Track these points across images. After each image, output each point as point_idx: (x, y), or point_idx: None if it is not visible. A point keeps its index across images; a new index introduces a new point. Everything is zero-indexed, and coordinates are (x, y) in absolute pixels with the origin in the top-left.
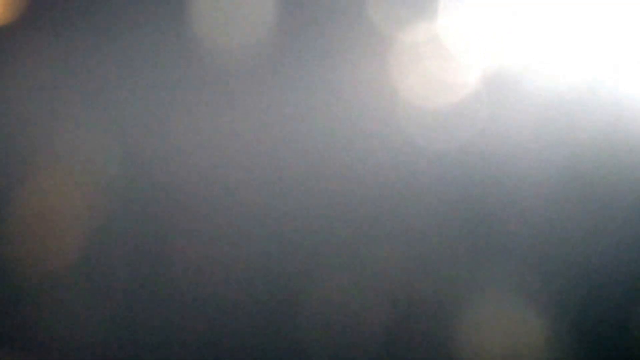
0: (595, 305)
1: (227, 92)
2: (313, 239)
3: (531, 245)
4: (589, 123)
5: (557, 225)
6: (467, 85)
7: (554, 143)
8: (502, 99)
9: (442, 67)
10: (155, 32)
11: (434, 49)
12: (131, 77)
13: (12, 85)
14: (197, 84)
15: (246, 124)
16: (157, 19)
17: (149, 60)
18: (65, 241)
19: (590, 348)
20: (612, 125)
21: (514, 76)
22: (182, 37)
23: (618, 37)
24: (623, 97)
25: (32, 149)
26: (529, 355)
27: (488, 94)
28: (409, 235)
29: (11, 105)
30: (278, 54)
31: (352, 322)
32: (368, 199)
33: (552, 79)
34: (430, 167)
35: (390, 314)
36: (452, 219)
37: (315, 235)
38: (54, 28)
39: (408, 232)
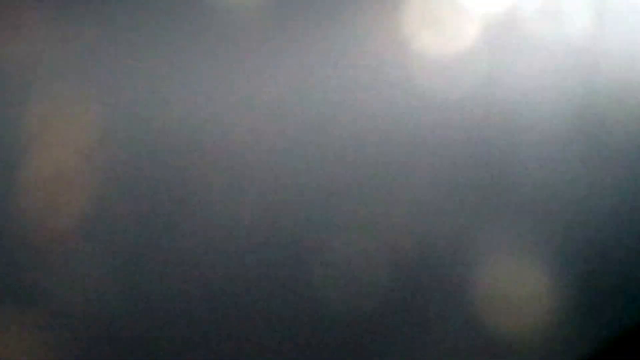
0: (603, 249)
1: (233, 42)
2: (321, 187)
3: (538, 192)
4: (596, 68)
5: (565, 170)
6: (474, 32)
7: (561, 90)
8: (510, 45)
9: (449, 14)
10: None
11: None
12: (135, 29)
13: (11, 34)
14: (202, 33)
15: (255, 73)
16: None
17: (153, 11)
18: (72, 197)
19: (597, 293)
20: (620, 71)
21: (521, 22)
22: None
23: None
24: (630, 42)
25: (35, 102)
26: (537, 301)
27: (495, 41)
28: (416, 182)
29: (12, 56)
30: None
31: (360, 268)
32: (375, 147)
33: (559, 25)
34: (439, 114)
35: (399, 260)
36: (459, 166)
37: (324, 182)
38: None
39: (415, 178)
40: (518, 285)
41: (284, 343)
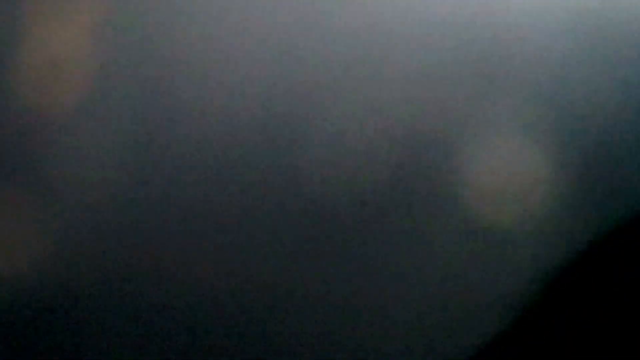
0: (603, 138)
1: None
2: (322, 79)
3: (535, 89)
4: None
5: (565, 63)
6: None
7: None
8: None
9: None
10: None
11: None
12: None
13: None
14: None
15: None
16: None
17: None
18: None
19: (595, 182)
20: None
21: None
22: None
23: None
24: None
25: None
26: (533, 189)
27: None
28: (412, 77)
29: None
30: None
31: (355, 157)
32: (373, 45)
33: None
34: (435, 15)
35: (395, 150)
36: (456, 62)
37: (324, 74)
38: None
39: (412, 73)
40: (515, 174)
41: (278, 229)
